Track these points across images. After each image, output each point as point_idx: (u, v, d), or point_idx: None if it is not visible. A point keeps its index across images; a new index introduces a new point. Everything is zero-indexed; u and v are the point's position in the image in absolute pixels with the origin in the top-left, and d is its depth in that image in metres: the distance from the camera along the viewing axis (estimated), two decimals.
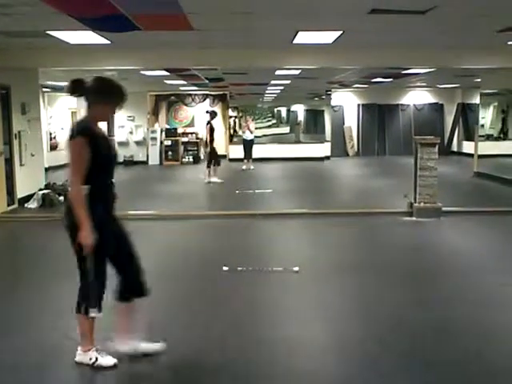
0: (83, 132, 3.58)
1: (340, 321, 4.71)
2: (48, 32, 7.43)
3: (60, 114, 18.51)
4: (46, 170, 11.98)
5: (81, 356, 3.81)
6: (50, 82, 15.22)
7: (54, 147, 17.73)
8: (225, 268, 5.89)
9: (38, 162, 11.01)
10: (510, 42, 8.30)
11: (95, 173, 3.60)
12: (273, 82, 16.26)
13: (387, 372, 3.73)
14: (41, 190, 10.68)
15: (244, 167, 17.31)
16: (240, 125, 21.20)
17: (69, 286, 5.56)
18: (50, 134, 17.60)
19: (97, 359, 3.78)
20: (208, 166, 14.38)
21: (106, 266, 3.75)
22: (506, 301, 5.23)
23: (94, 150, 3.55)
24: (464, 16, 6.50)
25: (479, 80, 15.90)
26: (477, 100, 18.96)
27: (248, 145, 17.60)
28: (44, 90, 15.90)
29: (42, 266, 6.58)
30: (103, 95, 3.72)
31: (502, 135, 17.19)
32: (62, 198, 10.74)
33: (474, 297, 5.33)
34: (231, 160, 19.41)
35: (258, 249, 7.21)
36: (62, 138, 18.35)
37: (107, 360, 3.79)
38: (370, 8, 5.99)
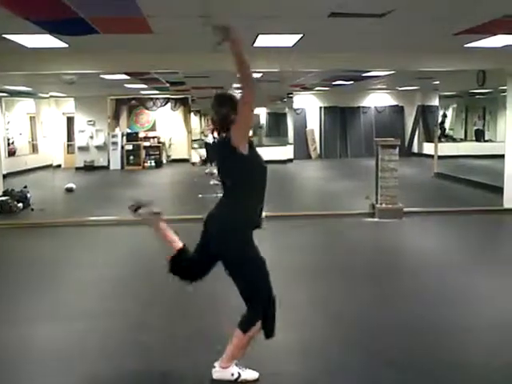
0: None
1: (303, 322, 4.72)
2: (4, 36, 7.27)
3: (18, 119, 18.16)
4: (4, 176, 11.71)
5: (220, 373, 3.63)
6: (7, 87, 14.93)
7: (11, 153, 17.38)
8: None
9: None
10: (466, 45, 8.44)
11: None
12: (235, 85, 16.24)
13: (350, 371, 3.74)
14: None
15: (207, 171, 17.24)
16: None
17: (27, 295, 5.48)
18: (8, 139, 17.23)
19: (240, 374, 3.63)
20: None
21: None
22: (468, 297, 5.31)
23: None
24: (421, 19, 6.58)
25: (438, 82, 16.15)
26: (436, 102, 19.29)
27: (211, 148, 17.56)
28: (1, 94, 15.57)
29: (2, 273, 6.42)
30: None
31: (463, 136, 17.57)
32: (20, 204, 10.54)
33: (435, 294, 5.40)
34: (193, 164, 19.31)
35: None
36: (20, 143, 18.05)
37: (250, 374, 3.66)
38: (329, 11, 6.02)
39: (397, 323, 4.66)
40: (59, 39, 7.58)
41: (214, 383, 3.61)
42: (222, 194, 3.65)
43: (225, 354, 3.65)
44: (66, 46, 8.07)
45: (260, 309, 3.59)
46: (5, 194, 10.66)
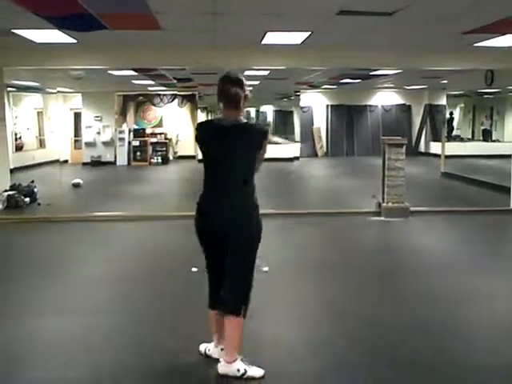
0: None
1: (309, 320, 4.72)
2: (13, 30, 7.30)
3: (26, 114, 18.21)
4: (12, 171, 11.75)
5: (225, 367, 3.56)
6: (15, 82, 14.97)
7: (19, 148, 17.45)
8: (194, 269, 5.84)
9: (2, 162, 10.77)
10: (475, 44, 8.42)
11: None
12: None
13: (355, 370, 3.74)
14: (6, 191, 10.47)
15: None
16: None
17: (33, 290, 5.50)
18: (16, 134, 17.30)
19: (246, 371, 3.54)
20: None
21: None
22: (473, 298, 5.29)
23: None
24: (430, 18, 6.57)
25: (446, 81, 16.11)
26: (443, 101, 19.25)
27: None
28: (9, 89, 15.60)
29: (8, 268, 6.45)
30: None
31: (470, 136, 17.53)
32: (27, 199, 10.57)
33: (441, 295, 5.38)
34: (200, 161, 19.32)
35: None
36: (28, 138, 18.11)
37: (256, 371, 3.58)
38: (338, 9, 6.01)
39: (402, 322, 4.65)
40: (68, 35, 7.61)
41: (219, 379, 3.60)
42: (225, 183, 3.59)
43: (226, 349, 3.63)
44: (75, 41, 8.10)
45: (246, 289, 3.61)
46: (12, 188, 10.69)
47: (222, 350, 3.75)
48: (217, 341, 3.81)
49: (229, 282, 3.57)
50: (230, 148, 3.53)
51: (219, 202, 3.57)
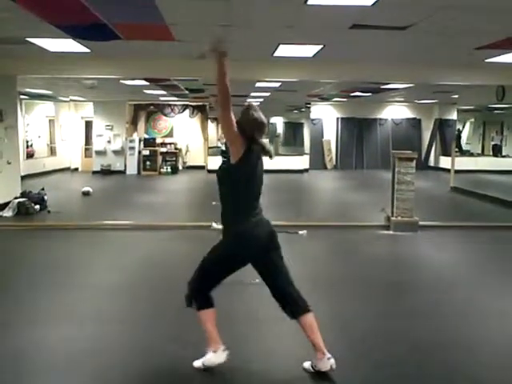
0: None
1: None
2: (28, 39, 7.37)
3: (37, 121, 18.34)
4: (22, 178, 11.85)
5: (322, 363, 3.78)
6: (27, 90, 15.09)
7: (30, 155, 17.56)
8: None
9: (14, 169, 10.87)
10: (487, 60, 8.42)
11: None
12: (253, 94, 16.30)
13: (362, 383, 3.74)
14: (16, 198, 10.54)
15: None
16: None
17: (41, 297, 5.52)
18: (27, 141, 17.42)
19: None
20: None
21: None
22: (479, 314, 5.27)
23: None
24: (442, 33, 6.58)
25: (456, 96, 16.10)
26: (454, 116, 19.23)
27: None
28: (22, 97, 15.75)
29: (17, 275, 6.48)
30: None
31: (480, 151, 17.49)
32: (37, 206, 10.62)
33: (448, 310, 5.36)
34: (210, 171, 19.37)
35: None
36: (39, 146, 18.22)
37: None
38: (351, 23, 6.04)
39: (410, 336, 4.63)
40: (82, 44, 7.68)
41: None
42: (257, 201, 3.88)
43: (316, 346, 3.78)
44: (89, 50, 8.17)
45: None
46: (22, 195, 10.76)
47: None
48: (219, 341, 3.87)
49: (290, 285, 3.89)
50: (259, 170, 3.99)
51: None
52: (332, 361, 3.74)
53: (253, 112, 3.78)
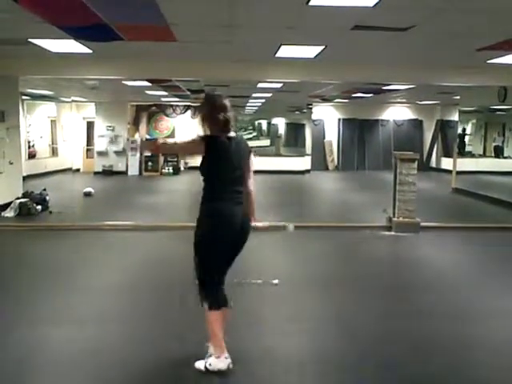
0: None
1: (318, 333, 4.71)
2: (30, 40, 7.38)
3: (39, 122, 18.36)
4: (24, 178, 11.85)
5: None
6: (29, 90, 15.11)
7: (32, 156, 17.58)
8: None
9: (16, 170, 10.88)
10: (489, 61, 8.42)
11: None
12: (254, 94, 16.30)
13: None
14: (18, 198, 10.55)
15: None
16: None
17: (44, 297, 5.53)
18: (29, 142, 17.43)
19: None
20: None
21: None
22: (480, 315, 5.27)
23: None
24: (444, 34, 6.58)
25: (458, 97, 16.09)
26: (455, 117, 19.20)
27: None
28: (23, 97, 15.77)
29: (19, 275, 6.48)
30: None
31: (482, 152, 17.47)
32: (39, 207, 10.63)
33: (449, 310, 5.36)
34: None
35: (236, 261, 7.17)
36: (41, 146, 18.23)
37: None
38: (353, 24, 6.04)
39: (411, 336, 4.63)
40: (84, 45, 7.68)
41: None
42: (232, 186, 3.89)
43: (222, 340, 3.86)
44: (91, 51, 8.17)
45: None
46: (24, 195, 10.77)
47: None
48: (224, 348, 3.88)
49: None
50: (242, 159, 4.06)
51: None
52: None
53: (217, 114, 3.89)
